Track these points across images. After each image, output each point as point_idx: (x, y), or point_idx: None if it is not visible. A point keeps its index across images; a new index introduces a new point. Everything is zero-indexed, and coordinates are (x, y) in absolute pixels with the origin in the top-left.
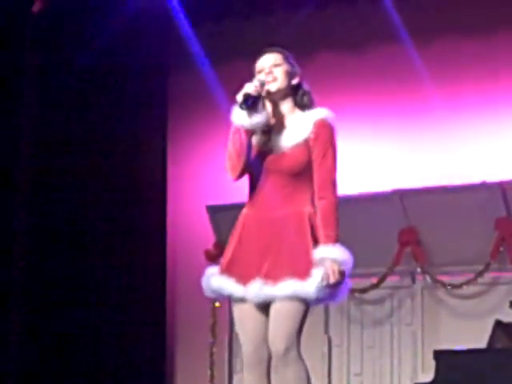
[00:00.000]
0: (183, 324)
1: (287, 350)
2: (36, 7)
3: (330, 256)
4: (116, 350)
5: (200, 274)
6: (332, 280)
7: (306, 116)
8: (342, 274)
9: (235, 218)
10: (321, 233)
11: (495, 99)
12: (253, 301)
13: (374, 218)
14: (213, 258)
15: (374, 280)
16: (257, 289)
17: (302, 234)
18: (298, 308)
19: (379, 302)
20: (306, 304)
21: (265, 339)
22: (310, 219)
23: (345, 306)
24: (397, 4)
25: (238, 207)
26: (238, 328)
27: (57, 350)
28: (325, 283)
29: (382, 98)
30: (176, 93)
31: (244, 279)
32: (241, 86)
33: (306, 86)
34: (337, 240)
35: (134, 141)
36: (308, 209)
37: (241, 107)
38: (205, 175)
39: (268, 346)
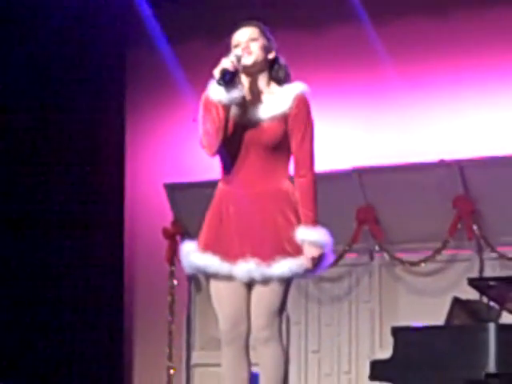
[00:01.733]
0: (141, 302)
1: (268, 327)
2: None
3: (310, 239)
4: (73, 329)
5: (158, 251)
6: (310, 266)
7: (284, 90)
8: (321, 257)
9: (193, 196)
10: (300, 211)
11: (454, 78)
12: (242, 279)
13: (332, 196)
14: (170, 235)
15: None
16: (251, 268)
17: (283, 212)
18: (282, 287)
19: (337, 279)
20: (290, 283)
21: (243, 315)
22: (289, 197)
23: (303, 284)
24: None
25: (196, 186)
26: (215, 304)
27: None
28: (305, 267)
29: (340, 77)
30: (134, 71)
31: (230, 257)
32: (199, 65)
33: (282, 60)
34: (315, 219)
35: (91, 119)
36: (287, 184)
37: (218, 83)
38: (163, 153)
39: (246, 323)
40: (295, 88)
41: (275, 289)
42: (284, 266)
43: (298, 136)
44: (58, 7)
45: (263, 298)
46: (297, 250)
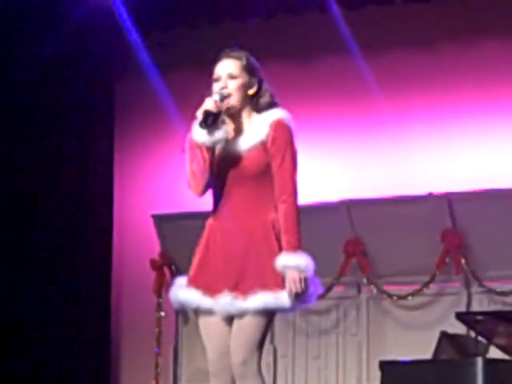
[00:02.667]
0: (128, 334)
1: (245, 363)
2: None
3: (291, 264)
4: (59, 360)
5: (145, 283)
6: (294, 290)
7: (262, 118)
8: (304, 281)
9: (181, 228)
10: (282, 238)
11: (442, 112)
12: (221, 314)
13: (321, 229)
14: (158, 267)
15: None
16: (227, 303)
17: (267, 243)
18: (260, 321)
19: (325, 312)
20: (271, 318)
21: (228, 347)
22: (274, 227)
23: (290, 316)
24: (345, 16)
25: (184, 217)
26: (203, 336)
27: None
28: (288, 293)
29: (330, 109)
30: (123, 101)
31: (211, 291)
32: (189, 94)
33: (265, 89)
34: (298, 245)
35: (80, 150)
36: (272, 216)
37: (201, 126)
38: (151, 184)
39: None
40: (273, 114)
41: (253, 324)
42: (259, 300)
43: (277, 161)
44: (45, 36)
45: (240, 334)
46: (276, 283)
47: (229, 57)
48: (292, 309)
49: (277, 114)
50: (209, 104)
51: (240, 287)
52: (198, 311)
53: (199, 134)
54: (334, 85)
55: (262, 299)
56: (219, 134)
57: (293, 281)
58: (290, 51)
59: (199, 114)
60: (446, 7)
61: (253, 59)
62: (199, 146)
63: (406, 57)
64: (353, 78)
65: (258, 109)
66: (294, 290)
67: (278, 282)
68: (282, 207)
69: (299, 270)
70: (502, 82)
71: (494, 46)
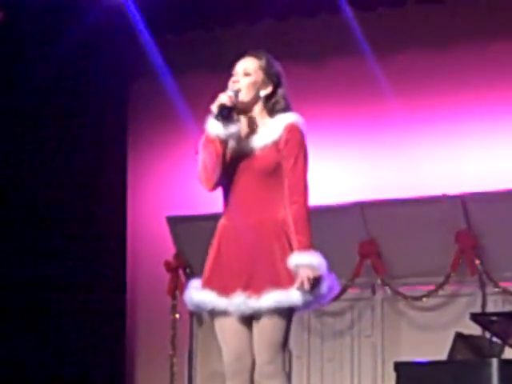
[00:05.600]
0: (143, 336)
1: (270, 362)
2: None
3: (303, 262)
4: (75, 363)
5: (159, 285)
6: (306, 287)
7: (276, 120)
8: (317, 279)
9: (195, 230)
10: (293, 238)
11: (456, 112)
12: (236, 314)
13: (335, 230)
14: (173, 269)
15: None
16: (240, 302)
17: (278, 241)
18: (278, 321)
19: (339, 313)
20: (290, 316)
21: (247, 349)
22: (285, 225)
23: (305, 317)
24: (358, 17)
25: (198, 219)
26: (219, 337)
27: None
28: (300, 291)
29: (343, 111)
30: (137, 104)
31: (226, 291)
32: (202, 96)
33: (281, 93)
34: (310, 245)
35: (94, 151)
36: (282, 214)
37: (216, 118)
38: (165, 186)
39: (250, 356)
40: (287, 118)
41: (271, 324)
42: (271, 298)
43: (289, 162)
44: (58, 39)
45: (262, 335)
46: (288, 281)
47: (250, 55)
48: (305, 307)
49: (291, 117)
50: (223, 98)
51: (252, 286)
52: (212, 313)
53: (214, 127)
54: (347, 86)
55: (274, 297)
56: (233, 128)
57: (306, 278)
58: (302, 53)
59: (214, 108)
60: (459, 8)
61: (276, 64)
62: (212, 140)
63: (419, 58)
64: (365, 79)
65: (272, 112)
66: (305, 287)
67: (291, 280)
68: (292, 207)
69: (312, 268)
70: None
71: (507, 46)
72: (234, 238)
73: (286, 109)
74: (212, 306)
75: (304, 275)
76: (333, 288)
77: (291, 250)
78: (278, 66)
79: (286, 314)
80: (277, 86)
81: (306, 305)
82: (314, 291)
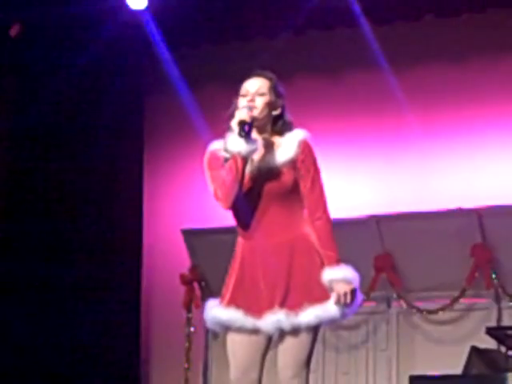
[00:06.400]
0: (158, 349)
1: (295, 377)
2: (14, 31)
3: (338, 277)
4: (91, 375)
5: (175, 298)
6: (347, 301)
7: (287, 138)
8: (353, 291)
9: (211, 242)
10: (322, 253)
11: (472, 126)
12: (270, 331)
13: (351, 244)
14: (188, 282)
15: None
16: (279, 320)
17: (308, 256)
18: (311, 336)
19: (354, 327)
20: (317, 332)
21: (255, 364)
22: (311, 241)
23: (320, 331)
24: (375, 31)
25: (214, 232)
26: (229, 353)
27: None
28: (340, 305)
29: (360, 124)
30: (153, 117)
31: (253, 310)
32: (217, 111)
33: (287, 117)
34: (338, 259)
35: (110, 164)
36: (308, 230)
37: (240, 135)
38: (181, 199)
39: (258, 372)
40: (297, 135)
41: (302, 339)
42: (311, 314)
43: (307, 180)
44: (75, 53)
45: (292, 350)
46: (324, 295)
47: (259, 75)
48: (341, 319)
49: (301, 134)
50: (243, 114)
51: (288, 303)
52: (235, 331)
53: (234, 144)
54: (364, 100)
55: (313, 313)
56: (253, 144)
57: (343, 293)
58: (319, 67)
59: (234, 125)
60: (475, 22)
61: (280, 84)
62: (233, 157)
63: (435, 72)
64: (382, 92)
65: (281, 132)
66: (343, 302)
67: (325, 294)
68: (317, 223)
69: (347, 281)
70: None
71: None
72: (260, 258)
73: (292, 127)
74: (240, 324)
75: (341, 290)
76: (360, 299)
77: (322, 264)
78: (281, 86)
79: (317, 329)
80: (283, 106)
81: (343, 317)
82: (350, 304)
